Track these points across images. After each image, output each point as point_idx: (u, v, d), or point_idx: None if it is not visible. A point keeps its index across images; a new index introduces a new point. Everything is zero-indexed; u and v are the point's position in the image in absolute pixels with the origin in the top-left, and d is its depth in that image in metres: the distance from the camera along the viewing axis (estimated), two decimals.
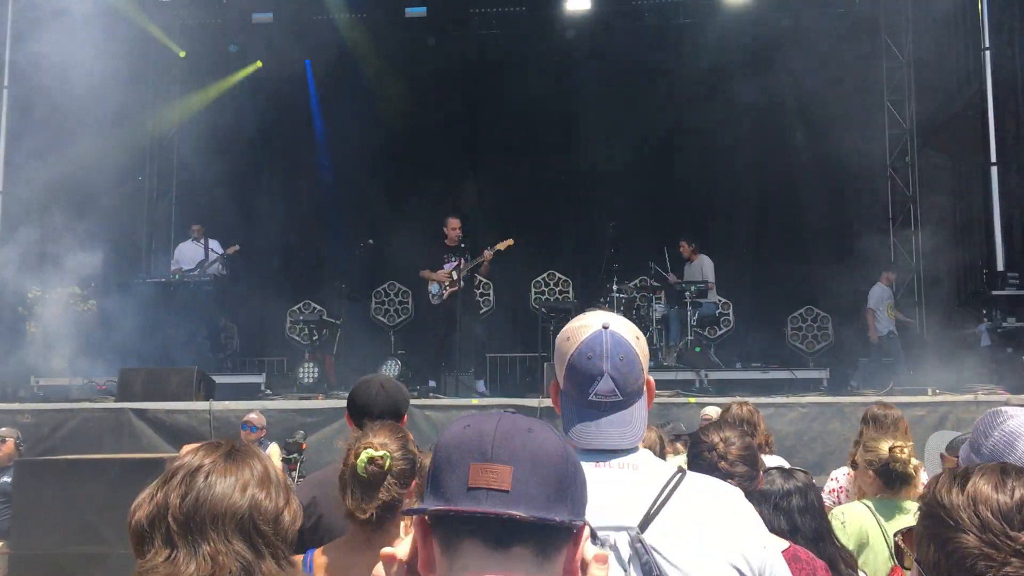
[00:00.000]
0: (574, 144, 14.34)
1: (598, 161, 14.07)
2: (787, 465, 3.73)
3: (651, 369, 1.93)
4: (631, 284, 12.43)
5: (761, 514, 1.95)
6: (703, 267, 12.28)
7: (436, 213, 12.13)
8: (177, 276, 12.15)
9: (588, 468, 1.38)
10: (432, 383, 11.06)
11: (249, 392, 10.98)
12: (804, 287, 13.32)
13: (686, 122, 13.61)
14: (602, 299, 11.43)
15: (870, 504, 3.75)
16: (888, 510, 3.72)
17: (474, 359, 11.79)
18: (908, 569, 1.54)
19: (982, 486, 1.37)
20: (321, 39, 13.82)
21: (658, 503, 1.74)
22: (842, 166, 13.60)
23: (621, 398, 1.83)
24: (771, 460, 4.45)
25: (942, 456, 4.09)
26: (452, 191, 13.97)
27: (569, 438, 1.83)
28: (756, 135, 13.65)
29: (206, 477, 1.60)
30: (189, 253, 12.53)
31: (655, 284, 12.07)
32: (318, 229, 14.24)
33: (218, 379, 10.45)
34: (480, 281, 12.23)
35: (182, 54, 14.10)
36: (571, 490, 1.17)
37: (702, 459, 2.86)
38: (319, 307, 13.95)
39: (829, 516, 3.29)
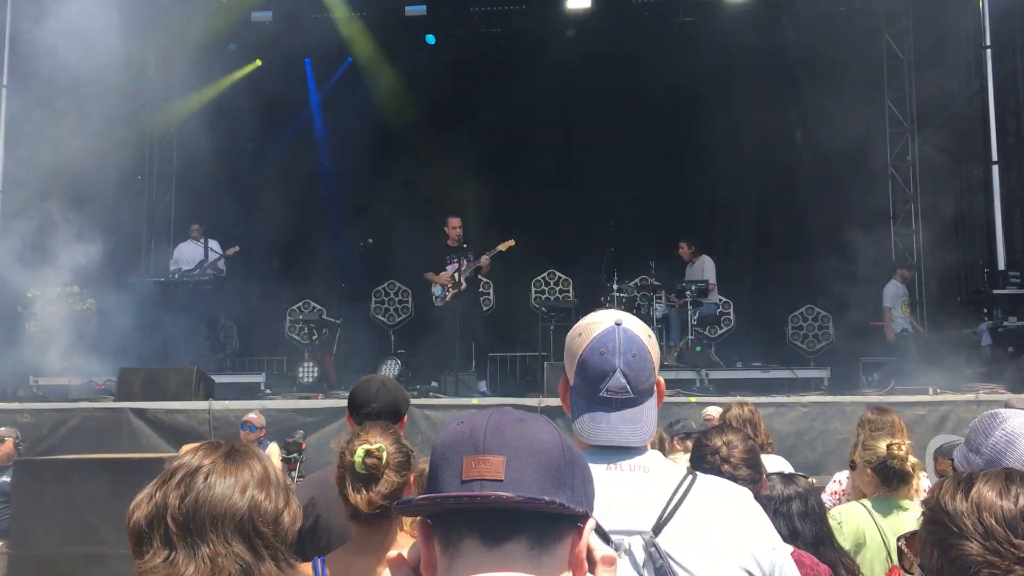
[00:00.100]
0: (574, 142, 14.34)
1: (598, 159, 14.06)
2: (788, 464, 3.72)
3: None
4: (631, 283, 12.42)
5: None
6: (704, 267, 12.28)
7: (436, 212, 12.12)
8: (176, 276, 12.15)
9: (599, 471, 1.37)
10: (435, 383, 11.05)
11: (249, 392, 10.97)
12: (805, 286, 13.31)
13: (686, 121, 13.59)
14: (602, 298, 11.42)
15: (867, 504, 3.75)
16: (885, 509, 3.72)
17: (475, 359, 11.78)
18: (911, 573, 1.53)
19: (986, 493, 1.36)
20: (321, 38, 13.82)
21: (670, 507, 1.73)
22: (843, 165, 13.59)
23: (632, 395, 1.82)
24: (771, 460, 4.43)
25: (935, 459, 4.08)
26: (452, 190, 13.96)
27: (578, 433, 1.83)
28: (756, 134, 13.64)
29: (205, 478, 1.59)
30: (189, 253, 12.52)
31: (655, 283, 12.06)
32: (318, 228, 14.23)
33: (217, 379, 10.44)
34: (481, 281, 12.22)
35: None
36: (568, 479, 1.16)
37: (705, 463, 2.86)
38: (319, 306, 13.94)
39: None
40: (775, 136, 13.59)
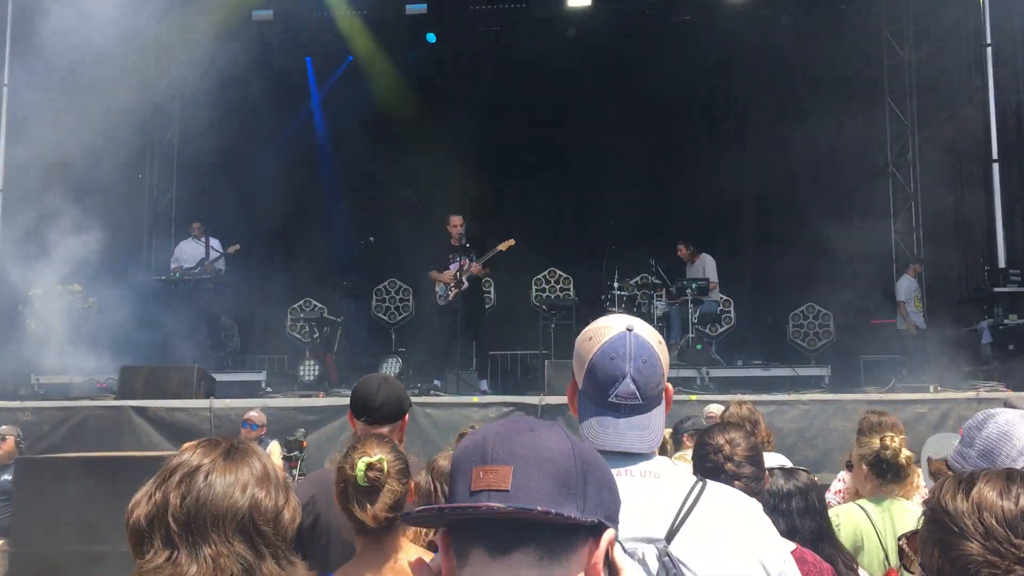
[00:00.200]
0: (575, 141, 14.33)
1: (599, 158, 14.06)
2: (788, 463, 3.72)
3: None
4: (632, 281, 12.43)
5: None
6: (705, 266, 12.28)
7: (437, 210, 12.12)
8: (177, 274, 12.15)
9: None
10: (438, 382, 11.07)
11: (250, 390, 10.99)
12: (805, 284, 13.30)
13: (687, 119, 13.61)
14: (603, 296, 11.43)
15: (864, 505, 3.75)
16: (882, 510, 3.71)
17: (475, 357, 11.79)
18: (911, 572, 1.54)
19: (987, 492, 1.36)
20: (321, 37, 13.82)
21: (681, 514, 1.73)
22: (843, 163, 13.60)
23: (641, 401, 1.81)
24: (771, 457, 4.43)
25: (928, 459, 4.08)
26: (453, 188, 13.95)
27: (584, 437, 1.82)
28: (757, 132, 13.64)
29: (206, 477, 1.59)
30: (190, 251, 12.53)
31: (656, 282, 12.06)
32: (319, 227, 14.23)
33: (219, 377, 10.45)
34: (483, 280, 12.23)
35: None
36: (579, 488, 1.13)
37: (708, 461, 2.85)
38: (320, 305, 13.94)
39: None
40: (775, 134, 13.58)
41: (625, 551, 1.56)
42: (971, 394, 8.76)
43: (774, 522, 2.92)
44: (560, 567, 1.12)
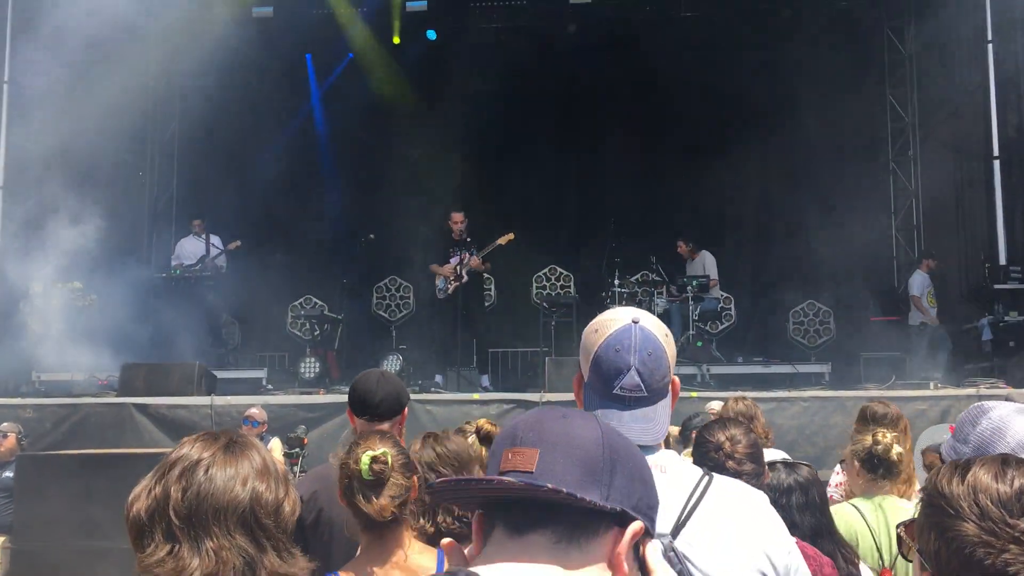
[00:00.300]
0: (575, 137, 14.33)
1: (599, 155, 14.06)
2: (788, 458, 3.72)
3: None
4: (633, 279, 12.43)
5: None
6: (705, 263, 12.29)
7: (438, 207, 12.12)
8: (178, 271, 12.16)
9: None
10: (438, 378, 11.08)
11: (251, 387, 11.00)
12: (805, 281, 13.31)
13: (687, 115, 13.59)
14: (603, 293, 11.44)
15: (857, 504, 3.76)
16: (875, 508, 3.73)
17: (476, 354, 11.80)
18: (910, 560, 1.55)
19: (982, 476, 1.38)
20: (322, 34, 13.81)
21: (687, 509, 1.73)
22: (843, 159, 13.60)
23: (646, 394, 1.81)
24: (770, 453, 4.44)
25: (923, 452, 4.09)
26: (454, 185, 13.96)
27: None
28: (757, 128, 13.63)
29: (206, 470, 1.59)
30: (190, 248, 12.54)
31: (656, 279, 12.06)
32: (319, 223, 14.23)
33: (220, 374, 10.47)
34: (484, 276, 12.23)
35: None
36: (604, 476, 1.13)
37: (709, 459, 2.85)
38: (320, 302, 13.95)
39: None
40: (775, 130, 13.57)
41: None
42: (971, 391, 8.77)
43: None
44: (579, 553, 1.12)
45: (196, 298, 11.75)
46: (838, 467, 4.97)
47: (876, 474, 3.77)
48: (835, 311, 13.37)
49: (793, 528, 2.98)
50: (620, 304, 11.16)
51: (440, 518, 2.78)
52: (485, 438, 3.80)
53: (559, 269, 14.25)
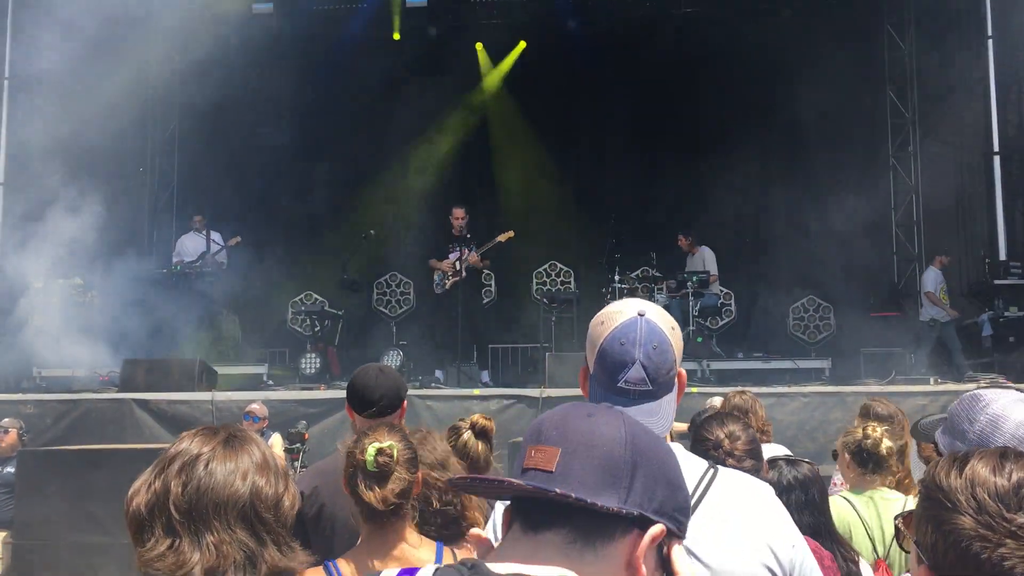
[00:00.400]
0: (575, 132, 14.32)
1: (599, 151, 14.04)
2: (789, 453, 3.73)
3: None
4: (633, 275, 12.42)
5: None
6: (704, 258, 12.28)
7: (438, 203, 12.11)
8: (179, 267, 12.16)
9: None
10: (439, 374, 11.08)
11: (251, 383, 11.01)
12: (806, 277, 13.30)
13: (687, 111, 13.58)
14: (604, 289, 11.44)
15: (849, 497, 3.77)
16: (866, 500, 3.75)
17: (476, 350, 11.80)
18: (908, 552, 1.56)
19: (980, 469, 1.38)
20: (322, 29, 13.79)
21: (692, 502, 1.72)
22: (844, 155, 13.58)
23: (651, 387, 1.80)
24: (772, 449, 4.44)
25: (919, 445, 4.08)
26: (454, 181, 13.96)
27: None
28: (758, 124, 13.62)
29: (206, 465, 1.59)
30: (191, 244, 12.55)
31: (656, 275, 12.06)
32: (320, 220, 14.23)
33: (220, 370, 10.46)
34: (483, 272, 12.23)
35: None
36: (624, 479, 1.12)
37: (708, 457, 2.85)
38: (321, 298, 13.95)
39: None
40: (776, 127, 13.56)
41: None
42: (971, 386, 8.76)
43: None
44: (592, 555, 1.11)
45: (197, 294, 11.76)
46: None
47: (866, 468, 3.79)
48: (835, 307, 13.36)
49: None
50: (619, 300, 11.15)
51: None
52: (480, 432, 3.79)
53: (559, 265, 14.24)
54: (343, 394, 3.54)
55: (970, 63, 12.29)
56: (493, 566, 1.11)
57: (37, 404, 8.95)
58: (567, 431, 1.15)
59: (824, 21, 13.25)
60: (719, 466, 1.84)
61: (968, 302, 11.83)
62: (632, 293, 11.79)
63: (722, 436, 2.89)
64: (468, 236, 11.15)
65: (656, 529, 1.13)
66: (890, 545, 3.67)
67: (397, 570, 1.24)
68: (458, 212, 11.28)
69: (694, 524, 1.69)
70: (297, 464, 6.81)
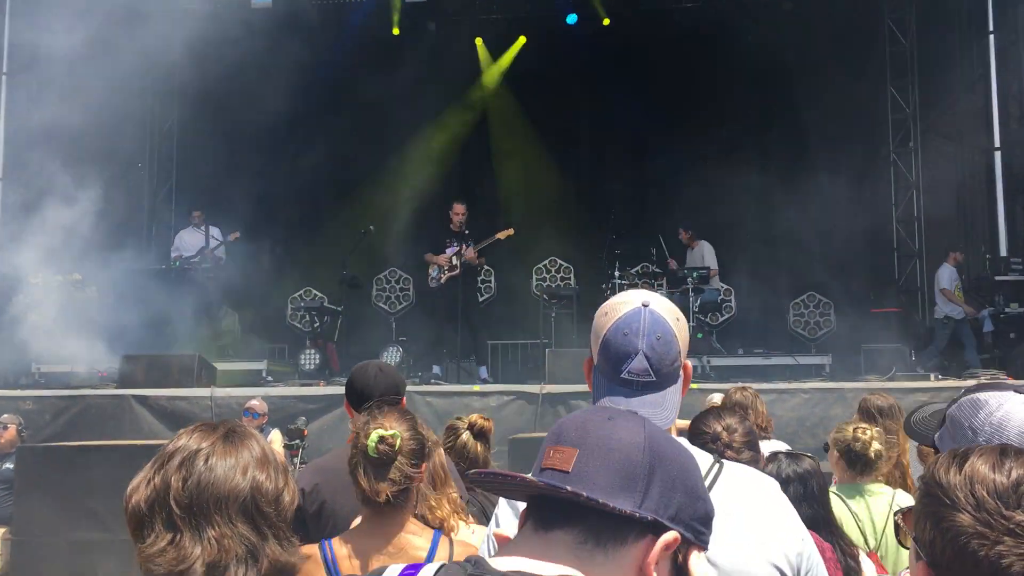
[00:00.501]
0: (575, 129, 14.30)
1: (599, 147, 14.03)
2: (790, 450, 3.73)
3: None
4: (633, 271, 12.42)
5: None
6: (704, 253, 12.27)
7: (438, 199, 12.09)
8: (178, 263, 12.15)
9: None
10: (437, 369, 11.08)
11: (250, 379, 11.00)
12: (806, 273, 13.29)
13: (687, 107, 13.56)
14: (604, 285, 11.43)
15: (838, 491, 3.79)
16: (854, 494, 3.77)
17: (475, 345, 11.80)
18: (907, 548, 1.55)
19: (979, 466, 1.37)
20: (321, 26, 13.77)
21: None
22: (845, 151, 13.57)
23: (654, 379, 1.78)
24: (772, 445, 4.44)
25: (919, 449, 4.07)
26: (454, 177, 13.95)
27: None
28: (757, 120, 13.60)
29: (206, 460, 1.58)
30: (189, 240, 12.54)
31: (657, 270, 12.06)
32: (319, 215, 14.22)
33: (219, 365, 10.46)
34: (481, 268, 12.22)
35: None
36: (640, 483, 1.11)
37: (707, 450, 2.84)
38: (320, 294, 13.94)
39: None
40: (777, 121, 13.55)
41: None
42: (972, 382, 8.74)
43: None
44: (603, 556, 1.11)
45: (196, 289, 11.74)
46: None
47: (855, 469, 3.81)
48: (836, 303, 13.36)
49: None
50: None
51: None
52: (479, 433, 3.78)
53: (559, 261, 14.23)
54: (342, 390, 3.54)
55: (971, 58, 12.27)
56: (496, 562, 1.11)
57: (36, 400, 8.95)
58: (586, 433, 1.15)
59: (825, 16, 13.23)
60: (725, 460, 1.82)
61: (969, 298, 11.81)
62: (632, 289, 11.78)
63: (720, 429, 2.90)
64: (467, 232, 11.13)
65: (669, 536, 1.12)
66: (881, 537, 3.69)
67: (400, 567, 1.22)
68: (458, 208, 11.26)
69: None
70: (296, 460, 6.80)
